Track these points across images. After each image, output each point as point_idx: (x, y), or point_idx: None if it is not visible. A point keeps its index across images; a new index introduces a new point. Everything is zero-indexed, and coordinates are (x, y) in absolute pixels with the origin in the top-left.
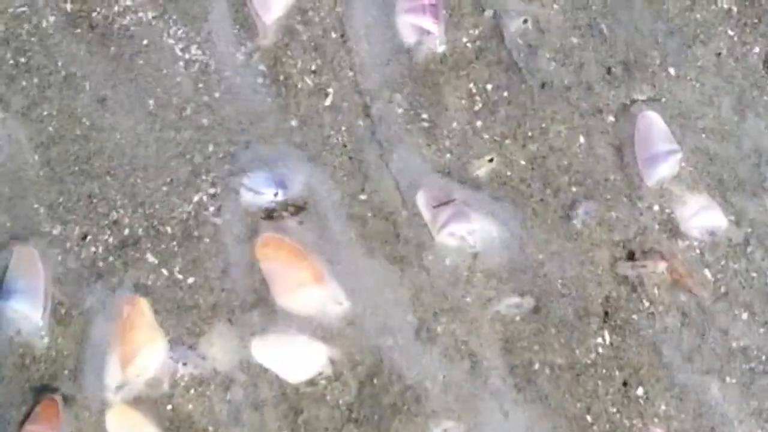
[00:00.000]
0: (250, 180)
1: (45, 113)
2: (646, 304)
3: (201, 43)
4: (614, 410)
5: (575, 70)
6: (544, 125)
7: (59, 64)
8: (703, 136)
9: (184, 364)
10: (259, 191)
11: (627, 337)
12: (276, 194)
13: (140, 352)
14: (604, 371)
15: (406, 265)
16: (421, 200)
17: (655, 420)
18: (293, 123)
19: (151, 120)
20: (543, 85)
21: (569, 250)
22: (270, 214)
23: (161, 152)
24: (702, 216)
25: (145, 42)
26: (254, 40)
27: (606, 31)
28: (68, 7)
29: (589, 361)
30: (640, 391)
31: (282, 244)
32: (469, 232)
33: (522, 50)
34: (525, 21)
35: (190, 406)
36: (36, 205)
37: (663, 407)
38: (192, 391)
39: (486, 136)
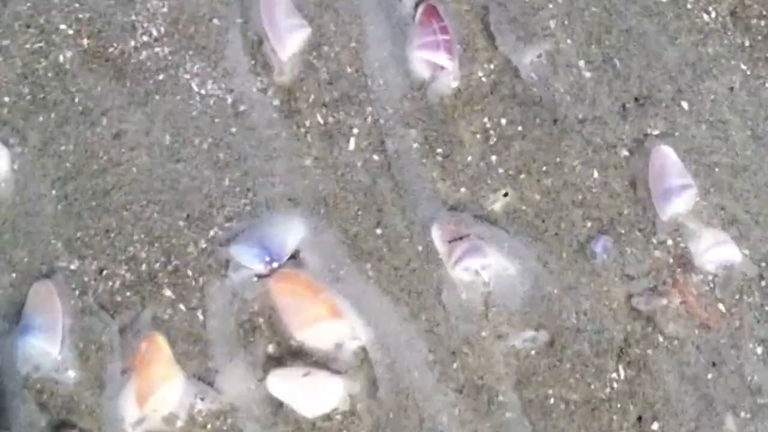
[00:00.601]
0: (238, 256)
1: (62, 148)
2: (661, 338)
3: (217, 78)
4: None
5: (589, 105)
6: (558, 160)
7: (76, 99)
8: (717, 170)
9: (202, 399)
10: (250, 267)
11: (642, 371)
12: (269, 264)
13: (157, 388)
14: (619, 406)
15: (421, 299)
16: (436, 235)
17: None
18: (308, 158)
19: (167, 154)
20: (557, 120)
21: (584, 285)
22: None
23: (177, 187)
24: (716, 250)
25: (161, 77)
26: (270, 75)
27: (619, 66)
28: (85, 42)
29: (604, 396)
30: (655, 425)
31: (298, 279)
32: (483, 267)
33: (536, 85)
34: (539, 56)
35: None
36: (53, 240)
37: None
38: (209, 425)
39: (500, 171)
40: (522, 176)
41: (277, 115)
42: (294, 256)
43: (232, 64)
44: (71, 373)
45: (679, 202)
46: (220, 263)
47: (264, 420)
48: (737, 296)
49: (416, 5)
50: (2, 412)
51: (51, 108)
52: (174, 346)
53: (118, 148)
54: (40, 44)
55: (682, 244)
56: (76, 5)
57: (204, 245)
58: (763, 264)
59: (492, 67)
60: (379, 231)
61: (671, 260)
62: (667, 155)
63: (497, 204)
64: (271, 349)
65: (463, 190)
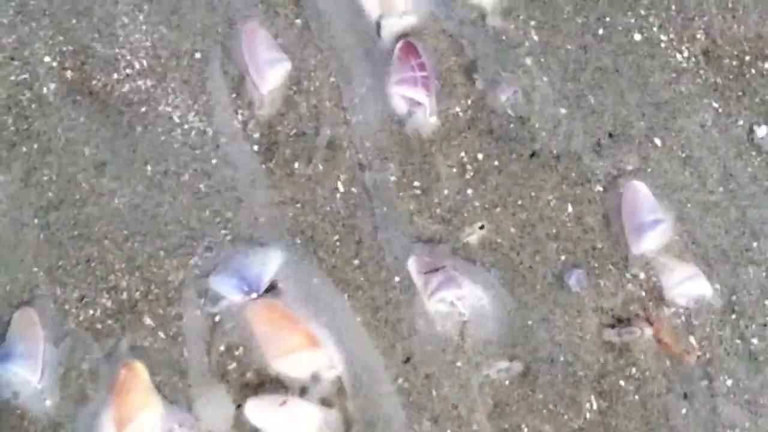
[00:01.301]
0: (217, 286)
1: (45, 178)
2: (633, 370)
3: (198, 111)
4: None
5: (564, 141)
6: (533, 194)
7: (59, 130)
8: (689, 206)
9: (180, 426)
10: (229, 297)
11: (614, 402)
12: (247, 294)
13: (136, 415)
14: None
15: (397, 329)
16: (413, 266)
17: None
18: (287, 191)
19: (148, 185)
20: (533, 155)
21: (558, 316)
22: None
23: (158, 217)
24: (688, 284)
25: (143, 109)
26: (251, 108)
27: (594, 103)
28: (68, 74)
29: (576, 426)
30: None
31: (276, 308)
32: (459, 298)
33: (512, 120)
34: (515, 92)
35: None
36: (35, 269)
37: None
38: None
39: (477, 204)
40: (498, 210)
41: (257, 147)
42: (273, 287)
43: (214, 98)
44: (51, 401)
45: (652, 237)
46: (199, 292)
47: None
48: (708, 329)
49: (395, 41)
50: None
51: (34, 139)
52: (153, 373)
53: (100, 178)
54: (25, 76)
55: (654, 278)
56: (60, 38)
57: (184, 275)
58: (734, 298)
59: (469, 102)
60: (356, 262)
61: (644, 293)
62: (640, 190)
63: (473, 237)
64: (249, 377)
65: (439, 222)
